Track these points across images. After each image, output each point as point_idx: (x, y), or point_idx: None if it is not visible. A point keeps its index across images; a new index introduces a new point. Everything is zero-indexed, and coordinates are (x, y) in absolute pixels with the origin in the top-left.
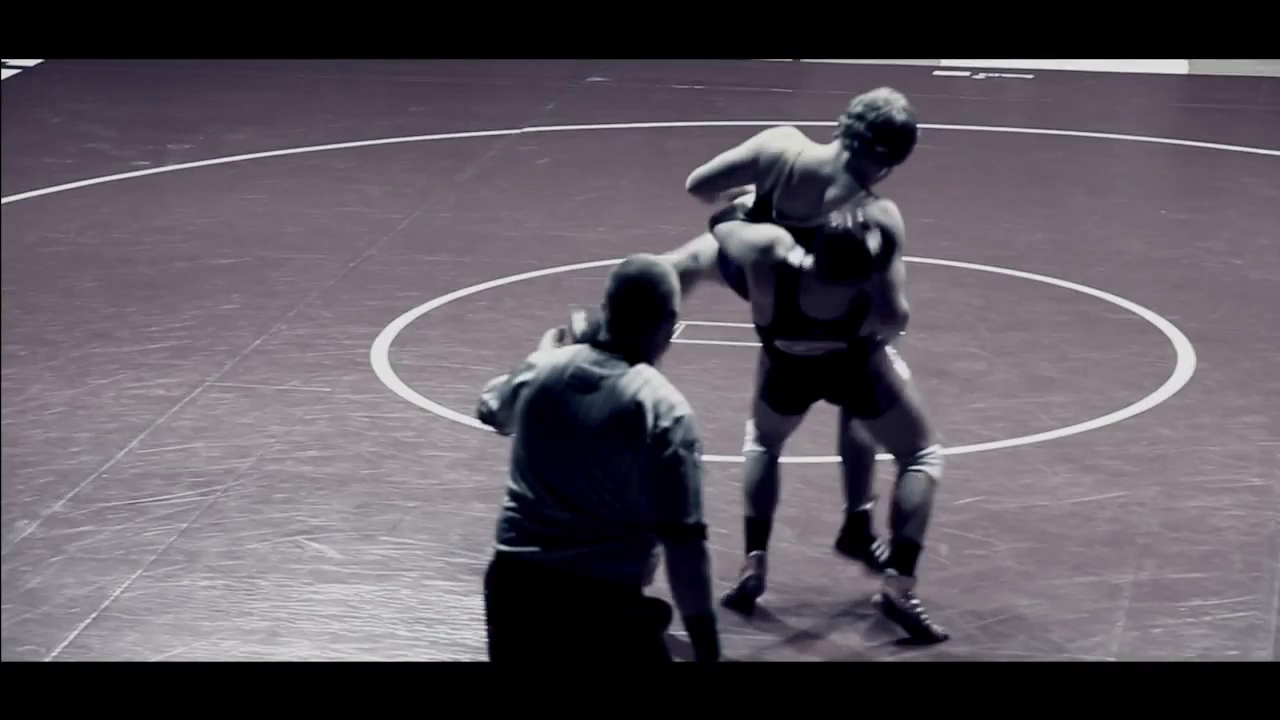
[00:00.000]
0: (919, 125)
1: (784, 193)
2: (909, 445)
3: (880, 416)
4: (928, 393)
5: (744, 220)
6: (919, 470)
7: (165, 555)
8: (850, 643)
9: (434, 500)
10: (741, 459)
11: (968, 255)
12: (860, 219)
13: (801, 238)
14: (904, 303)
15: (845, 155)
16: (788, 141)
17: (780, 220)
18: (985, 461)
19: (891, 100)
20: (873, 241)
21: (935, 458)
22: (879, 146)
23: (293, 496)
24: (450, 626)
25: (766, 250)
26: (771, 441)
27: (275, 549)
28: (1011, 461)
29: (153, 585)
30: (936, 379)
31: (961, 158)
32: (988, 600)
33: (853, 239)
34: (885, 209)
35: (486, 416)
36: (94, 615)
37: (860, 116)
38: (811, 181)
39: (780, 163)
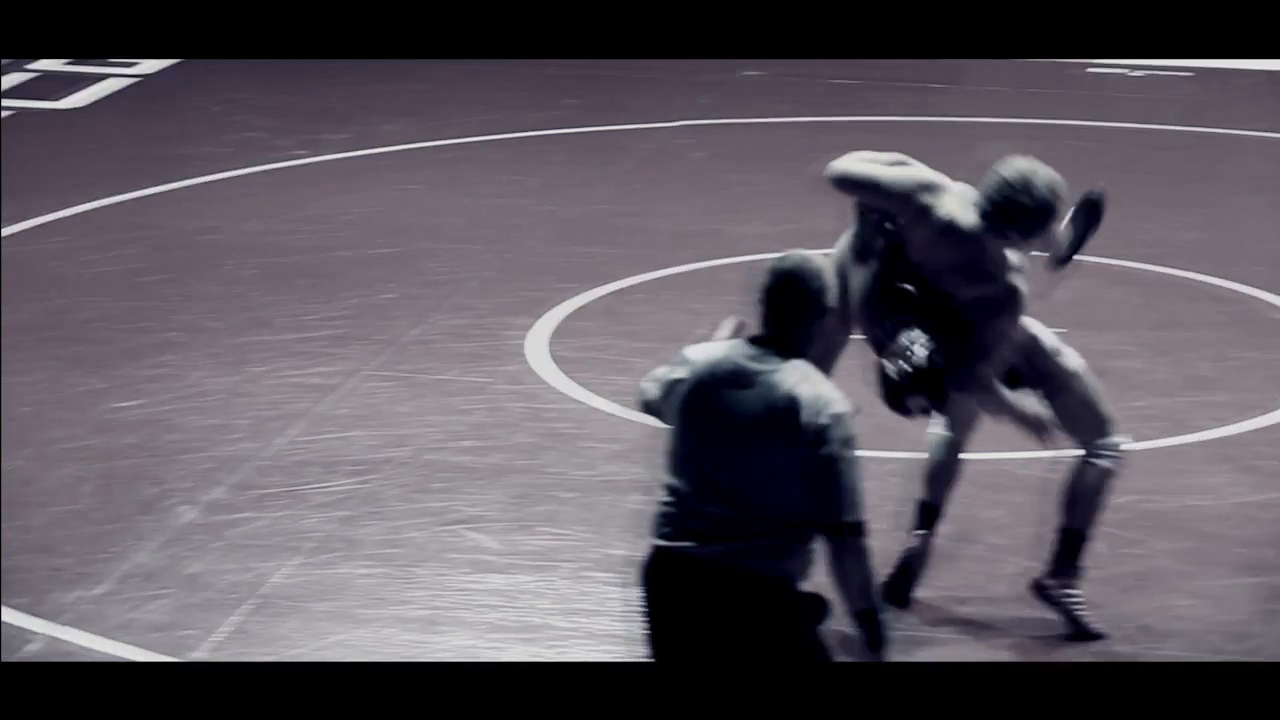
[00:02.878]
0: (1056, 198)
1: (918, 244)
2: (1082, 436)
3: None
4: None
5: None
6: (1090, 462)
7: (324, 543)
8: (1007, 641)
9: (592, 492)
10: (896, 454)
11: (1125, 254)
12: (907, 364)
13: (927, 293)
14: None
15: (982, 224)
16: (935, 196)
17: (913, 269)
18: (1143, 460)
19: (1029, 177)
20: (916, 396)
21: (1111, 450)
22: (1010, 230)
23: (451, 486)
24: (608, 618)
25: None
26: (955, 426)
27: (434, 538)
28: (1170, 461)
29: (312, 572)
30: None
31: (1117, 156)
32: (1146, 600)
33: (894, 386)
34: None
35: (648, 405)
36: (253, 601)
37: (992, 198)
38: (945, 247)
39: (923, 213)
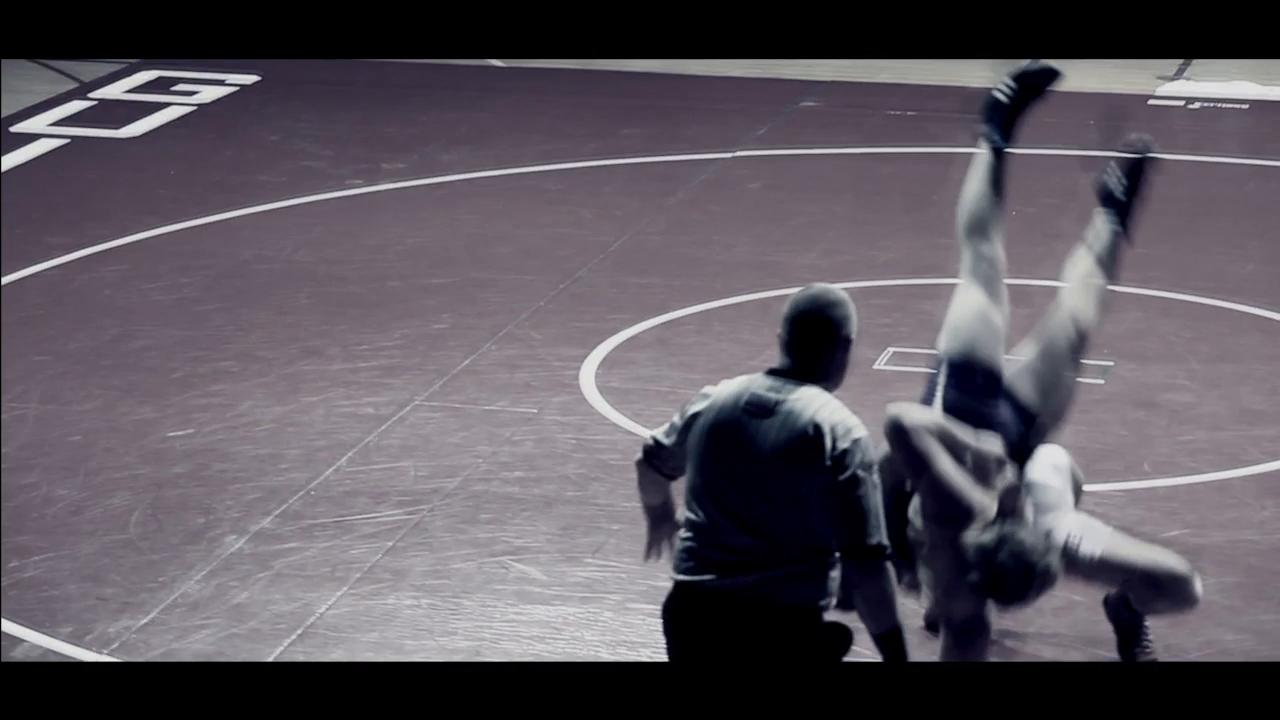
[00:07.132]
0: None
1: (926, 515)
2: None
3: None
4: (1135, 424)
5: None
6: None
7: (371, 573)
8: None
9: (639, 523)
10: None
11: (1179, 286)
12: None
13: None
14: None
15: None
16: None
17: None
18: (1192, 494)
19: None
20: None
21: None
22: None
23: (499, 517)
24: (653, 650)
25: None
26: None
27: (480, 569)
28: (1219, 495)
29: (358, 603)
30: (1145, 410)
31: (1175, 188)
32: (1193, 635)
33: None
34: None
35: (651, 452)
36: (299, 631)
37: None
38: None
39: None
